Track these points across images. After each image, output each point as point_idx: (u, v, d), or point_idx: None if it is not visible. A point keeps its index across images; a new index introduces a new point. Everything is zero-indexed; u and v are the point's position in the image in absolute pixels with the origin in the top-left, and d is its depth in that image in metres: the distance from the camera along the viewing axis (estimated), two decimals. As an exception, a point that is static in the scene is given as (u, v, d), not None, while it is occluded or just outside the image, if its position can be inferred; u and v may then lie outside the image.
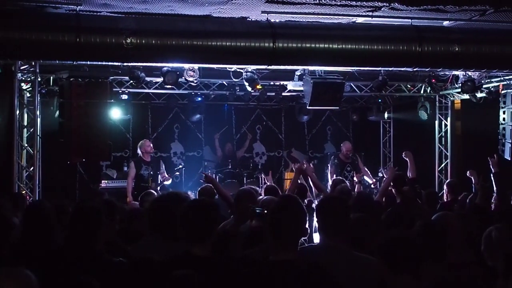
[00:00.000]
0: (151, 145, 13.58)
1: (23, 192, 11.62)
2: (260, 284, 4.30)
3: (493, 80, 14.70)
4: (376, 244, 4.50)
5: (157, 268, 4.25)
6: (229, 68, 12.41)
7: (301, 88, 13.56)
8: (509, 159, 13.41)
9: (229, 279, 4.44)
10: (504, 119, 14.24)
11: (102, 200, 6.81)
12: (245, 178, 15.72)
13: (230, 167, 16.15)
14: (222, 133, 17.16)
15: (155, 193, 9.48)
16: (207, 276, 3.93)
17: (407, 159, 11.31)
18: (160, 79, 12.79)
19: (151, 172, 13.12)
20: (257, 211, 5.84)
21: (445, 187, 10.75)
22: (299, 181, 9.19)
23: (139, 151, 13.38)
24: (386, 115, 18.56)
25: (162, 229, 5.37)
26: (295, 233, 4.55)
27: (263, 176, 14.13)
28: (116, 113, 15.00)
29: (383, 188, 9.31)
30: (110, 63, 10.93)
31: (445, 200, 9.92)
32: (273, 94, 15.19)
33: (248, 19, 9.81)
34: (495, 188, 10.18)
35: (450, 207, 8.39)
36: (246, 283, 4.35)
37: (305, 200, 8.97)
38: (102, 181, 14.49)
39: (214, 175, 15.79)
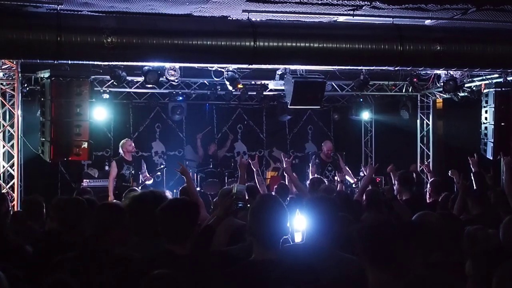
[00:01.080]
0: (133, 144, 13.58)
1: (5, 191, 11.56)
2: (240, 283, 4.30)
3: (475, 79, 14.77)
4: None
5: (136, 266, 4.25)
6: (210, 67, 12.41)
7: (283, 88, 13.55)
8: (491, 158, 13.47)
9: (209, 278, 4.45)
10: (486, 118, 14.29)
11: (85, 198, 6.81)
12: (226, 177, 15.74)
13: (211, 166, 16.18)
14: (204, 133, 17.19)
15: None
16: (186, 275, 3.92)
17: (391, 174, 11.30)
18: (141, 78, 12.77)
19: (133, 172, 13.13)
20: (240, 205, 5.85)
21: (428, 186, 10.77)
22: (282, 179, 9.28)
23: (120, 151, 13.37)
24: (367, 114, 18.62)
25: (140, 228, 5.35)
26: (275, 232, 4.56)
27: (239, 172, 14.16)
28: (100, 114, 15.03)
29: (362, 187, 9.34)
30: (91, 62, 10.89)
31: (428, 198, 9.92)
32: (254, 93, 15.21)
33: (229, 18, 9.82)
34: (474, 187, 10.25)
35: (433, 207, 8.40)
36: (225, 282, 4.36)
37: (287, 198, 8.98)
38: (84, 180, 14.46)
39: (195, 174, 15.86)
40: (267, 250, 4.53)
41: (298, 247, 5.42)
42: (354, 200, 8.79)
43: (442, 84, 14.30)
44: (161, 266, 4.06)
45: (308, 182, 10.60)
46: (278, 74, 13.42)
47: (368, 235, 4.27)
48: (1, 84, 12.22)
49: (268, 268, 4.32)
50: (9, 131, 12.41)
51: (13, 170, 12.26)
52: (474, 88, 14.93)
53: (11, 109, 12.45)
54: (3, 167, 12.24)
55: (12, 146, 12.29)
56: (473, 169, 10.70)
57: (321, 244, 5.06)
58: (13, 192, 11.94)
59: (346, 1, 9.02)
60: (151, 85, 13.09)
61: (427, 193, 10.29)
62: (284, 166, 9.72)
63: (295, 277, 4.20)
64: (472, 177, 10.47)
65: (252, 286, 4.22)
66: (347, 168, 14.16)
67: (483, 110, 14.53)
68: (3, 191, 11.32)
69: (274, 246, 4.53)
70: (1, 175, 12.14)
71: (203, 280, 4.41)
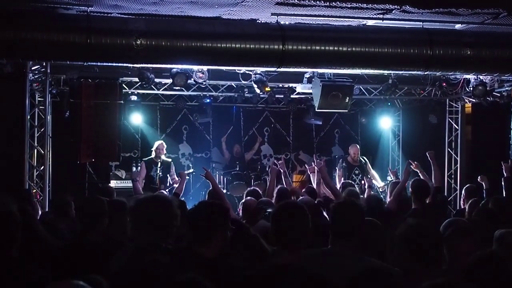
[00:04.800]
0: (165, 147, 13.60)
1: (34, 191, 11.63)
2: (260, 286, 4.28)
3: (505, 84, 14.65)
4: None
5: (164, 269, 4.22)
6: (238, 70, 12.41)
7: (310, 91, 13.54)
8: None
9: (230, 281, 4.42)
10: (516, 124, 14.21)
11: (112, 199, 6.83)
12: (252, 180, 15.70)
13: (238, 169, 16.14)
14: (230, 135, 17.22)
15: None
16: (213, 278, 3.89)
17: (431, 159, 11.19)
18: (169, 81, 12.79)
19: (161, 174, 13.14)
20: (268, 211, 5.88)
21: (463, 192, 10.64)
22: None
23: (153, 153, 13.40)
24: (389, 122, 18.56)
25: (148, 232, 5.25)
26: (298, 236, 4.57)
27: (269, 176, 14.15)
28: (135, 119, 15.20)
29: (396, 193, 9.19)
30: (120, 64, 10.93)
31: (462, 205, 9.82)
32: (282, 96, 15.17)
33: (257, 21, 9.81)
34: (504, 193, 10.17)
35: (463, 213, 8.33)
36: (245, 286, 4.34)
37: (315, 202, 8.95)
38: (111, 181, 14.51)
39: (222, 176, 15.86)
40: (289, 254, 4.53)
41: (320, 252, 5.38)
42: (386, 207, 8.72)
43: (471, 89, 14.20)
44: (188, 268, 4.04)
45: (339, 186, 10.54)
46: (306, 78, 13.42)
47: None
48: (31, 85, 12.29)
49: (286, 272, 4.31)
50: (38, 131, 12.48)
51: (43, 170, 12.34)
52: (504, 93, 14.80)
53: (41, 110, 12.53)
54: (33, 167, 12.30)
55: (42, 146, 12.37)
56: (505, 174, 10.62)
57: (343, 249, 5.03)
58: (42, 192, 12.02)
59: (375, 5, 8.97)
60: (179, 87, 13.11)
61: (461, 199, 10.19)
62: (318, 166, 9.69)
63: (309, 283, 4.16)
64: (503, 183, 10.39)
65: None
66: (374, 173, 14.10)
67: (513, 115, 14.42)
68: (33, 191, 11.38)
69: (296, 250, 4.58)
70: (31, 175, 12.21)
71: (224, 283, 4.37)
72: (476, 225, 5.56)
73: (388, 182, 12.59)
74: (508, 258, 4.53)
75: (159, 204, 5.18)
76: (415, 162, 11.54)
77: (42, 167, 12.35)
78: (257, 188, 9.28)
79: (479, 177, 10.61)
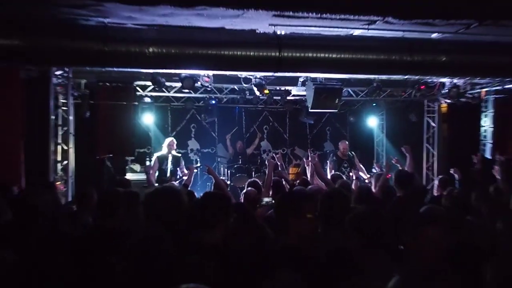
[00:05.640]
0: (175, 143, 13.59)
1: (58, 183, 11.62)
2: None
3: (476, 87, 14.65)
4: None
5: (171, 254, 4.20)
6: (239, 74, 12.42)
7: (304, 93, 13.55)
8: (490, 157, 13.36)
9: (233, 264, 4.40)
10: (485, 121, 14.20)
11: (127, 191, 6.81)
12: (253, 173, 15.70)
13: (240, 162, 16.18)
14: (233, 133, 17.20)
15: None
16: (214, 260, 3.87)
17: (406, 154, 11.26)
18: (178, 84, 12.79)
19: (172, 167, 13.12)
20: (264, 201, 5.90)
21: (436, 182, 10.67)
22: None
23: (164, 148, 13.38)
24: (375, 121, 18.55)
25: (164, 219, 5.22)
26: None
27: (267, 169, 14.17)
28: (148, 119, 15.21)
29: (381, 183, 9.20)
30: (134, 69, 10.91)
31: (436, 194, 9.83)
32: (279, 98, 15.18)
33: (257, 31, 9.77)
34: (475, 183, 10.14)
35: (439, 201, 8.31)
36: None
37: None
38: (127, 174, 14.49)
39: (226, 169, 15.89)
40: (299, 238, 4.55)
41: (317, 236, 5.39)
42: (374, 195, 8.73)
43: (446, 91, 14.20)
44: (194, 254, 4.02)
45: (329, 177, 10.53)
46: (300, 81, 13.42)
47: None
48: (55, 88, 12.28)
49: (290, 251, 4.34)
50: (62, 130, 12.47)
51: (65, 164, 12.33)
52: (475, 94, 14.80)
53: (64, 111, 12.52)
54: (57, 162, 12.29)
55: (65, 143, 12.36)
56: (476, 165, 10.62)
57: (333, 234, 5.04)
58: (66, 184, 12.01)
59: (361, 17, 8.93)
60: (187, 90, 13.09)
61: (435, 188, 10.20)
62: (312, 160, 9.69)
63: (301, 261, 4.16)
64: (474, 173, 10.40)
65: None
66: (361, 165, 14.07)
67: (483, 114, 14.43)
68: (57, 183, 11.37)
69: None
70: (56, 169, 12.20)
71: (232, 265, 4.36)
72: (448, 211, 5.54)
73: (373, 173, 12.57)
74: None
75: (169, 195, 5.17)
76: (396, 158, 11.61)
77: (65, 162, 12.35)
78: (257, 180, 9.25)
79: (451, 170, 10.61)
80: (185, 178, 11.30)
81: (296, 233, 4.58)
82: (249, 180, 9.62)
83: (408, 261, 4.27)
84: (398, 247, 4.60)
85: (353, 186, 10.96)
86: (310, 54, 9.87)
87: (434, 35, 10.21)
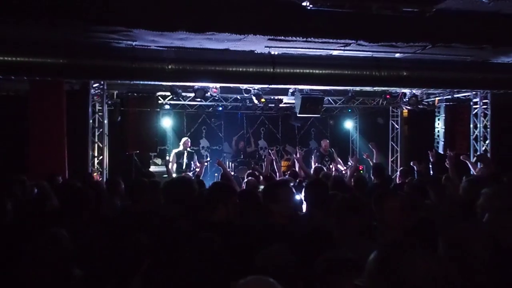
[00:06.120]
0: (189, 142, 13.59)
1: (95, 174, 11.63)
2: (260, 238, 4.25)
3: (431, 96, 14.68)
4: None
5: (184, 230, 4.21)
6: (241, 86, 12.43)
7: (293, 101, 13.56)
8: (442, 153, 13.39)
9: (233, 238, 4.39)
10: (438, 124, 14.23)
11: (151, 180, 6.83)
12: (252, 165, 15.71)
13: (242, 157, 16.22)
14: (237, 134, 17.24)
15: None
16: (219, 236, 3.87)
17: (373, 149, 11.29)
18: (192, 94, 12.80)
19: (187, 161, 13.13)
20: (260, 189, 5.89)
21: (398, 172, 10.70)
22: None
23: (180, 145, 13.39)
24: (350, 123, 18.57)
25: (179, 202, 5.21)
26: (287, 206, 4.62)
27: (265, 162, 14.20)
28: (167, 122, 15.18)
29: (351, 173, 9.27)
30: (156, 83, 10.93)
31: (398, 182, 9.86)
32: (273, 105, 15.16)
33: (255, 51, 9.79)
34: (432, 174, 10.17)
35: (401, 188, 8.34)
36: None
37: (297, 180, 8.96)
38: (151, 167, 14.49)
39: (230, 163, 15.89)
40: (281, 218, 4.55)
41: (301, 216, 5.42)
42: (346, 183, 8.76)
43: (407, 99, 14.22)
44: (202, 229, 4.02)
45: (312, 169, 10.54)
46: (290, 92, 13.43)
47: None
48: (93, 98, 12.31)
49: (280, 229, 4.36)
50: (98, 131, 12.49)
51: (101, 159, 12.35)
52: (430, 102, 14.83)
53: (99, 116, 12.54)
54: (94, 157, 12.31)
55: (100, 142, 12.38)
56: (431, 159, 10.65)
57: (314, 214, 5.07)
58: (101, 175, 12.03)
59: (339, 40, 8.98)
60: (199, 99, 13.12)
61: (397, 178, 10.21)
62: (297, 157, 9.70)
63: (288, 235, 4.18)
64: (431, 166, 10.43)
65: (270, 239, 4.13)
66: (339, 159, 14.09)
67: (436, 118, 14.46)
68: (94, 174, 11.39)
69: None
70: (93, 163, 12.22)
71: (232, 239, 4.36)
72: (408, 195, 5.58)
73: (349, 166, 12.58)
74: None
75: (182, 184, 5.20)
76: (367, 153, 11.67)
77: (101, 157, 12.36)
78: (255, 171, 9.28)
79: (411, 162, 10.63)
80: (197, 170, 11.33)
81: (278, 214, 4.59)
82: (248, 171, 9.65)
83: (380, 233, 4.31)
84: (373, 223, 4.62)
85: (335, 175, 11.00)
86: (298, 70, 9.90)
87: (397, 55, 10.24)
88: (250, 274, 2.45)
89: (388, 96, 14.75)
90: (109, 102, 13.07)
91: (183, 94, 13.33)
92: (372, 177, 9.20)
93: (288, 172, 10.61)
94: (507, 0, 7.09)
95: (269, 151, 12.15)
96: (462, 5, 7.42)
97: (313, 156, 14.51)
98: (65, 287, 3.64)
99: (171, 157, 13.33)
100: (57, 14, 7.25)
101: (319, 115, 14.09)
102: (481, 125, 13.86)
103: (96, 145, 12.40)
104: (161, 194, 5.40)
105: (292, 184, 5.40)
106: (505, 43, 9.17)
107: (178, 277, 3.44)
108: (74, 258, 3.85)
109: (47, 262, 3.67)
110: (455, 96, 13.95)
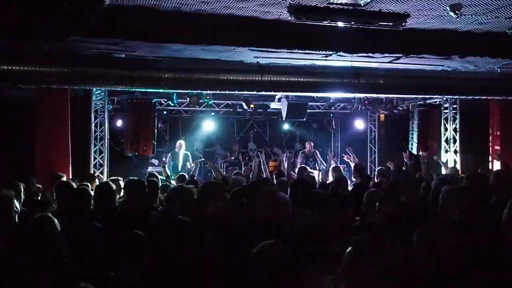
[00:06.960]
0: (184, 145, 13.58)
1: (96, 174, 11.61)
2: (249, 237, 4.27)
3: (405, 102, 14.78)
4: None
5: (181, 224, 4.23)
6: (232, 93, 12.44)
7: (280, 107, 13.62)
8: (415, 153, 13.49)
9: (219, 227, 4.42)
10: (412, 127, 14.32)
11: (152, 180, 6.85)
12: (242, 165, 15.74)
13: (233, 158, 16.31)
14: (228, 137, 17.30)
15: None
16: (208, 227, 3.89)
17: (349, 154, 11.36)
18: (187, 100, 12.81)
19: (182, 162, 13.13)
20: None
21: (376, 172, 10.78)
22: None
23: (177, 147, 13.39)
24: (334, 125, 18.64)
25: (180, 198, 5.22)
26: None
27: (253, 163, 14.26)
28: (160, 123, 15.08)
29: (327, 168, 9.39)
30: (154, 90, 10.92)
31: (376, 180, 9.92)
32: (261, 110, 15.22)
33: (244, 61, 9.83)
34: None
35: (380, 185, 8.41)
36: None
37: (282, 178, 8.99)
38: (149, 167, 14.47)
39: (222, 163, 15.92)
40: (269, 214, 4.58)
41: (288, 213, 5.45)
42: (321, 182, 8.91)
43: (384, 104, 14.31)
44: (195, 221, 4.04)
45: (297, 169, 10.59)
46: (277, 98, 13.50)
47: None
48: (95, 104, 12.30)
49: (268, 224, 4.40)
50: (100, 134, 12.46)
51: (102, 160, 12.33)
52: (404, 107, 14.93)
53: (101, 120, 12.52)
54: (95, 158, 12.29)
55: (101, 144, 12.36)
56: (405, 160, 10.72)
57: (301, 211, 5.11)
58: (102, 175, 12.01)
59: (321, 51, 9.05)
60: (193, 105, 13.13)
61: (375, 177, 10.27)
62: (284, 158, 9.75)
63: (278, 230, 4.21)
64: (408, 166, 10.53)
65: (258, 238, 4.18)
66: (322, 160, 14.15)
67: (410, 122, 14.55)
68: (96, 174, 11.38)
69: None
70: (95, 163, 12.20)
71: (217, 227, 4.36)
72: (386, 192, 5.65)
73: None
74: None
75: (179, 187, 5.25)
76: (347, 155, 11.73)
77: (102, 158, 12.34)
78: (242, 172, 9.35)
79: (388, 163, 10.71)
80: (192, 169, 11.37)
81: (263, 210, 4.63)
82: (237, 170, 9.68)
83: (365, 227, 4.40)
84: (355, 218, 4.71)
85: (318, 174, 11.09)
86: (283, 78, 9.90)
87: (374, 64, 10.31)
88: (241, 266, 2.50)
89: (366, 102, 14.86)
90: (110, 108, 13.05)
91: (179, 100, 13.36)
92: (353, 176, 9.28)
93: (275, 172, 10.62)
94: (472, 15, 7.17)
95: (258, 152, 12.18)
96: (430, 24, 7.50)
97: (298, 158, 14.58)
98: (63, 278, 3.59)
99: (167, 158, 13.33)
100: (64, 34, 7.36)
101: (304, 119, 14.15)
102: (451, 128, 13.98)
103: (97, 147, 12.38)
104: (158, 193, 5.43)
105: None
106: (471, 53, 9.31)
107: (176, 269, 3.48)
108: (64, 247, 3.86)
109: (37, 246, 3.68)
110: (427, 102, 14.05)
